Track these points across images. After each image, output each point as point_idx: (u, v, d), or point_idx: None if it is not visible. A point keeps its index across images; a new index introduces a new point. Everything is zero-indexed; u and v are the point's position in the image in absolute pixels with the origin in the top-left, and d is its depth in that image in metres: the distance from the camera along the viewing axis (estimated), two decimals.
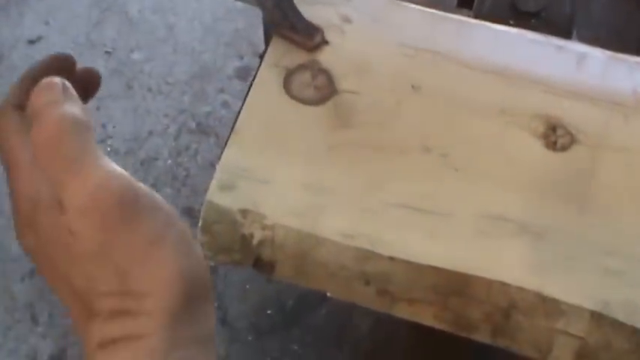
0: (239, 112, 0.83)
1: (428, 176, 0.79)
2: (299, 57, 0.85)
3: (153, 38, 1.49)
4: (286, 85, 0.84)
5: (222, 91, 1.42)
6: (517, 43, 0.87)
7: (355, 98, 0.83)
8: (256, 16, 1.52)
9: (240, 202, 0.77)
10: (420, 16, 0.89)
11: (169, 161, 1.35)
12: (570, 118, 0.83)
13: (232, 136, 0.82)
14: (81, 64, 0.50)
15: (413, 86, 0.83)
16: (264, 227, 0.77)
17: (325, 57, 0.85)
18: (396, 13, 0.89)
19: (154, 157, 1.36)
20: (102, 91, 1.42)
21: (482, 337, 0.77)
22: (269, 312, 1.24)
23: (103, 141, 1.38)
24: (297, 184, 0.78)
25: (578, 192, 0.79)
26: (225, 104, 1.41)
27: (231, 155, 0.80)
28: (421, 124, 0.82)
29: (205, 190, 1.31)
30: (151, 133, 1.39)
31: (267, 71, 0.85)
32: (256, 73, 0.85)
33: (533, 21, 0.94)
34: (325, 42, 0.85)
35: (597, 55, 0.87)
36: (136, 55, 1.47)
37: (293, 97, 0.83)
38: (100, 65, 1.47)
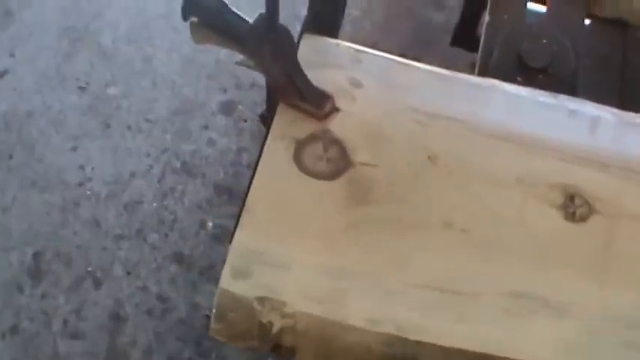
0: (248, 189, 0.79)
1: (450, 254, 0.77)
2: (309, 126, 0.81)
3: (129, 71, 1.42)
4: (297, 157, 0.80)
5: (206, 127, 1.37)
6: (530, 108, 0.85)
7: (371, 171, 0.80)
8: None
9: (257, 290, 0.74)
10: (431, 78, 0.86)
11: (154, 204, 1.30)
12: (587, 187, 0.81)
13: (243, 216, 0.78)
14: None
15: (429, 157, 0.81)
16: (284, 315, 0.74)
17: (336, 126, 0.82)
18: (406, 76, 0.86)
19: (137, 201, 1.31)
20: (78, 130, 1.38)
21: None
22: None
23: (81, 184, 1.32)
24: (316, 267, 0.75)
25: (598, 264, 0.78)
26: (210, 142, 1.36)
27: (243, 238, 0.77)
28: (440, 198, 0.79)
29: (194, 234, 1.28)
30: (133, 174, 1.33)
31: (276, 143, 0.81)
32: (263, 145, 0.81)
33: (540, 77, 0.92)
34: (336, 109, 0.82)
35: (609, 118, 0.86)
36: (112, 90, 1.40)
37: (305, 171, 0.80)
38: (74, 102, 1.40)
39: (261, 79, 1.40)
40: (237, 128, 1.35)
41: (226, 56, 1.41)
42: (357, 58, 0.86)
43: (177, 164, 1.33)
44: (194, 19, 0.80)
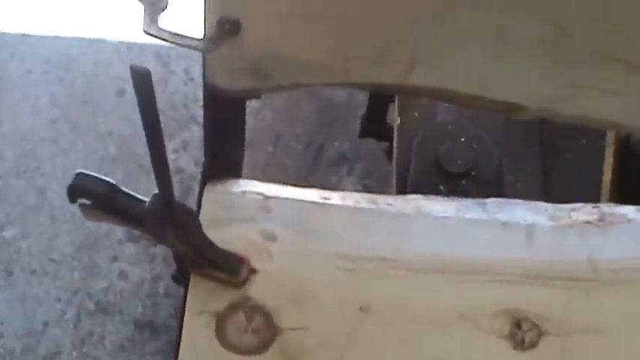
0: None
1: None
2: (227, 296, 0.74)
3: (23, 208, 1.31)
4: (219, 333, 0.73)
5: (115, 259, 1.28)
6: (460, 229, 0.80)
7: (301, 336, 0.73)
8: (137, 165, 1.40)
9: None
10: (348, 215, 0.80)
11: (74, 353, 1.20)
12: (533, 307, 0.76)
13: None
14: None
15: (361, 308, 0.74)
16: None
17: (256, 291, 0.74)
18: (322, 218, 0.79)
19: (55, 352, 1.20)
20: None
21: None
22: None
23: None
24: None
25: None
26: (122, 275, 1.26)
27: None
28: (379, 354, 0.73)
29: None
30: (46, 323, 1.23)
31: (194, 321, 0.73)
32: (181, 325, 0.74)
33: (464, 182, 0.88)
34: (253, 271, 0.75)
35: (544, 223, 0.81)
36: (8, 233, 1.29)
37: (230, 348, 0.72)
38: None
39: None
40: (148, 255, 1.26)
41: (124, 176, 1.32)
42: (267, 206, 0.79)
43: (92, 305, 1.23)
44: (83, 201, 0.72)
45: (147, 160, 0.65)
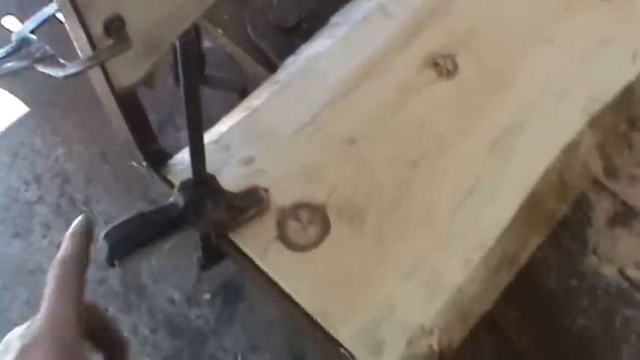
0: None
1: None
2: (269, 222, 0.81)
3: None
4: (289, 247, 0.80)
5: None
6: (350, 42, 0.93)
7: (340, 195, 0.82)
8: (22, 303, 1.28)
9: None
10: (277, 101, 0.88)
11: None
12: (432, 47, 0.93)
13: None
14: None
15: (349, 142, 0.85)
16: None
17: (279, 198, 0.81)
18: (264, 119, 0.87)
19: None
20: None
21: None
22: None
23: None
24: None
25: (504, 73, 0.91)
26: None
27: None
28: (387, 151, 0.85)
29: None
30: None
31: (265, 259, 0.79)
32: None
33: (304, 25, 0.99)
34: (266, 190, 0.82)
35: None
36: None
37: (304, 247, 0.80)
38: None
39: None
40: None
41: None
42: (223, 145, 0.85)
43: None
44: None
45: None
